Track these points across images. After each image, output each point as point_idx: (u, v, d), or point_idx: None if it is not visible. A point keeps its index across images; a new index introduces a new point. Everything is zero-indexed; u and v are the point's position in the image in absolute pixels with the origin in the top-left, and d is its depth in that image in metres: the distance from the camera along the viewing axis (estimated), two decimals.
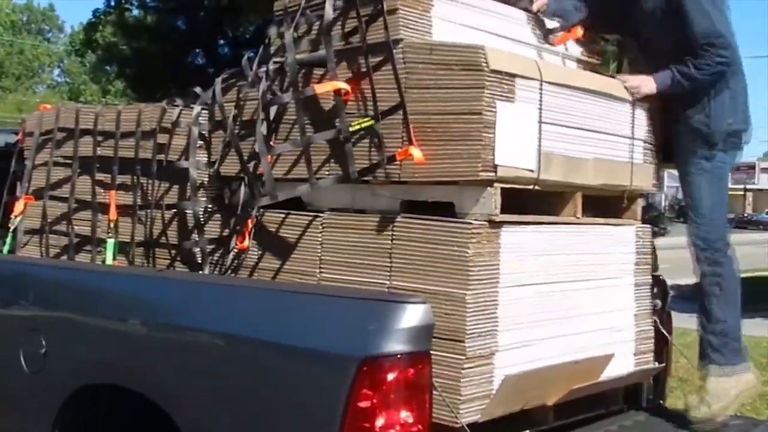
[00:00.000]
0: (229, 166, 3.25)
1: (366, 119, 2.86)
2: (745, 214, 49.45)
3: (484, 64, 2.65)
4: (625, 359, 3.24)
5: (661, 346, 3.48)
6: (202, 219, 3.27)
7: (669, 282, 3.63)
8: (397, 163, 2.79)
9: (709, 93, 3.42)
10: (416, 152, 2.72)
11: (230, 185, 3.23)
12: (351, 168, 2.87)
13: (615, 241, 3.21)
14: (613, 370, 3.12)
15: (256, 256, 3.15)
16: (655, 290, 3.45)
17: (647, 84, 3.32)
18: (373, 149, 2.86)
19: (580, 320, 3.03)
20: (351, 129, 2.88)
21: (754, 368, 3.63)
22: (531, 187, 2.85)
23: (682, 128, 3.45)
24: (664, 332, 3.49)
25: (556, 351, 2.90)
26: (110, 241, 3.55)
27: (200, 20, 14.23)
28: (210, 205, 3.30)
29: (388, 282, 2.79)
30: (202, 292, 2.91)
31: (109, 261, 3.54)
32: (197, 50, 14.62)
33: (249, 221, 3.12)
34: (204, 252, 3.20)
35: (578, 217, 3.03)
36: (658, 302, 3.48)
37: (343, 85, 2.90)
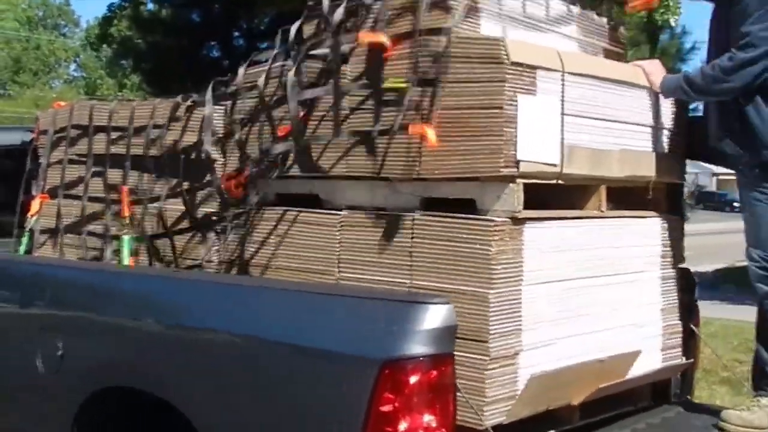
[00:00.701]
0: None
1: (402, 79, 2.76)
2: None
3: (505, 57, 2.58)
4: (652, 355, 3.16)
5: (689, 341, 3.39)
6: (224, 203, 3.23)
7: (691, 269, 3.51)
8: (414, 154, 2.72)
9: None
10: (430, 132, 2.64)
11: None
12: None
13: (640, 234, 3.13)
14: (641, 367, 3.05)
15: (274, 255, 3.10)
16: (682, 283, 3.36)
17: (656, 74, 3.18)
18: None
19: (606, 316, 2.95)
20: (384, 86, 2.79)
21: None
22: (554, 181, 2.78)
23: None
24: (692, 327, 3.40)
25: (581, 349, 2.83)
26: (125, 238, 3.51)
27: (215, 13, 14.15)
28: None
29: (408, 281, 2.73)
30: (223, 292, 2.86)
31: (126, 258, 3.50)
32: (212, 43, 14.55)
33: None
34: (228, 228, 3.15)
35: (602, 211, 2.95)
36: (686, 295, 3.39)
37: (385, 39, 2.80)
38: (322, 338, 2.45)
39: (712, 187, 54.59)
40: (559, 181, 2.79)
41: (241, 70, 3.21)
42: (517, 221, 2.61)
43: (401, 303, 2.41)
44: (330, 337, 2.43)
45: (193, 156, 3.37)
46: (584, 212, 2.91)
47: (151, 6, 14.58)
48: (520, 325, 2.63)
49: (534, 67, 2.64)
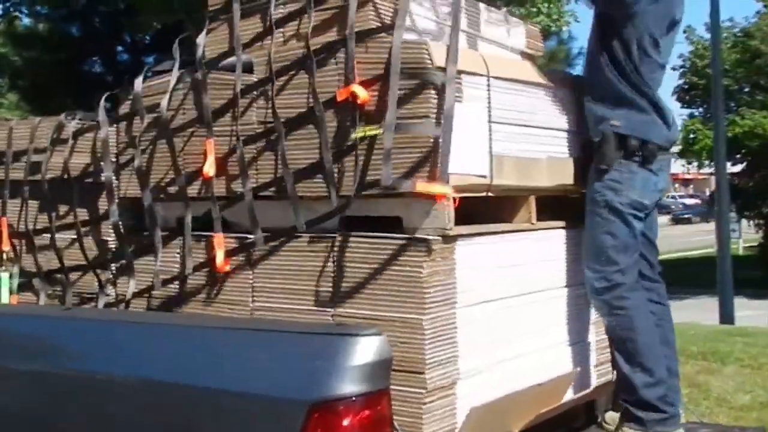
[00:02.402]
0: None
1: (373, 127, 2.42)
2: None
3: (428, 62, 2.37)
4: (588, 372, 3.01)
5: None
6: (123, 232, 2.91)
7: None
8: (332, 169, 2.48)
9: None
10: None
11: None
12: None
13: (571, 245, 2.97)
14: (579, 386, 2.89)
15: (180, 286, 2.80)
16: None
17: None
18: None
19: (542, 335, 2.78)
20: (355, 135, 2.46)
21: None
22: (484, 194, 2.58)
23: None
24: None
25: (520, 371, 2.65)
26: (3, 276, 3.13)
27: (96, 27, 13.54)
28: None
29: (331, 310, 2.48)
30: (118, 331, 2.53)
31: (4, 298, 3.12)
32: (94, 58, 13.90)
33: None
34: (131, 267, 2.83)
35: (533, 223, 2.77)
36: None
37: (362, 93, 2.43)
38: (240, 380, 2.16)
39: None
40: (489, 194, 2.60)
41: (138, 84, 2.88)
42: (449, 239, 2.40)
43: (328, 336, 2.16)
44: (249, 379, 2.16)
45: (85, 182, 3.02)
46: (515, 225, 2.73)
47: (27, 21, 13.83)
48: (456, 351, 2.42)
49: (460, 72, 2.44)
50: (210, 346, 2.28)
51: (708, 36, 18.01)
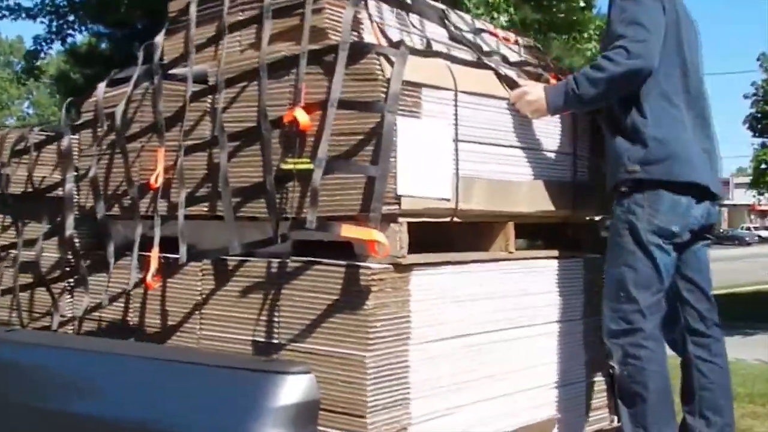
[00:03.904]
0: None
1: (304, 160, 2.23)
2: (722, 230, 49.21)
3: (380, 73, 2.15)
4: (575, 420, 2.72)
5: None
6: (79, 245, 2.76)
7: None
8: (283, 189, 2.28)
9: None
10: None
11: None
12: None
13: (559, 277, 2.70)
14: None
15: (131, 310, 2.63)
16: None
17: (537, 104, 2.54)
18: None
19: (518, 376, 2.51)
20: (286, 167, 2.27)
21: None
22: (448, 219, 2.35)
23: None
24: None
25: (488, 417, 2.39)
26: None
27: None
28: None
29: (276, 341, 2.27)
30: (28, 354, 2.36)
31: None
32: None
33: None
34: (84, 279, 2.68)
35: (511, 252, 2.52)
36: None
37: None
38: (142, 410, 1.97)
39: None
40: (455, 219, 2.37)
41: (100, 91, 2.74)
42: (402, 268, 2.18)
43: (249, 372, 1.96)
44: (154, 411, 1.96)
45: (53, 195, 2.89)
46: (488, 254, 2.48)
47: (81, 38, 14.09)
48: (407, 393, 2.18)
49: (418, 85, 2.22)
50: (120, 374, 2.09)
51: None
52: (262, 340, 2.30)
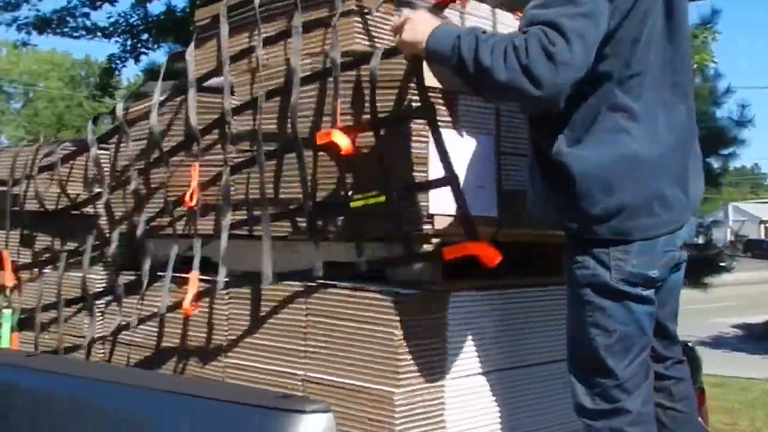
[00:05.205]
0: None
1: (375, 194, 2.01)
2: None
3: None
4: None
5: None
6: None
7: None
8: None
9: None
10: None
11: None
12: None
13: None
14: None
15: (160, 334, 2.49)
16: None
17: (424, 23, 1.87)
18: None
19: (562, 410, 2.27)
20: (354, 204, 2.05)
21: None
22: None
23: None
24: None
25: None
26: (6, 313, 2.92)
27: None
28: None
29: (302, 373, 2.09)
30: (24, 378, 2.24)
31: (5, 335, 2.91)
32: None
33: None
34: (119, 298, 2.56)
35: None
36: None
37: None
38: None
39: (760, 234, 52.88)
40: (498, 239, 2.15)
41: (119, 106, 2.63)
42: (436, 294, 1.97)
43: (262, 410, 1.77)
44: None
45: (78, 212, 2.79)
46: (536, 279, 2.26)
47: (153, 56, 14.30)
48: None
49: (455, 93, 2.02)
50: (126, 408, 1.94)
51: None
52: (286, 370, 2.13)
